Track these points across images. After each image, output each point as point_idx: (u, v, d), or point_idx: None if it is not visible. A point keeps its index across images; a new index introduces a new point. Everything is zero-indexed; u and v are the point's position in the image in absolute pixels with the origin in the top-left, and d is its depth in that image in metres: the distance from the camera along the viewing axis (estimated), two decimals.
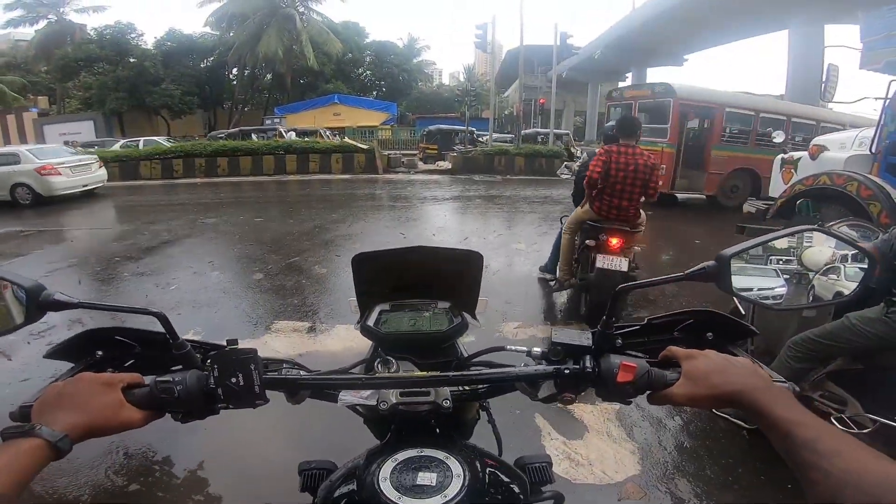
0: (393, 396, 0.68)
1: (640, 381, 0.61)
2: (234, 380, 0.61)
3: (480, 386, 0.76)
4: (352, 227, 7.08)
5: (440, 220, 8.00)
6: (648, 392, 0.62)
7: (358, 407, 0.75)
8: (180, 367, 0.66)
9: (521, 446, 2.36)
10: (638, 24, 21.15)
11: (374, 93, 34.97)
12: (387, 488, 0.59)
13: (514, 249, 5.93)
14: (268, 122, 24.13)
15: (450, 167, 15.52)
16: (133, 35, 28.69)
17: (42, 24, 27.92)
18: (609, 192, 3.39)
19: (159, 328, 0.69)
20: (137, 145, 16.65)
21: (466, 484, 0.59)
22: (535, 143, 17.96)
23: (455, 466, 0.62)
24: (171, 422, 0.63)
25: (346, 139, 18.50)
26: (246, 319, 3.76)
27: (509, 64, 30.97)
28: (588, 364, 0.65)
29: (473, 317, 0.92)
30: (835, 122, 8.99)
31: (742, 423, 2.28)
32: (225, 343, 0.69)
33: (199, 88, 29.18)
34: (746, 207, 5.50)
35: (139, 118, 28.01)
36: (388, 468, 0.62)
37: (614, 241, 3.33)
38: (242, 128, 20.40)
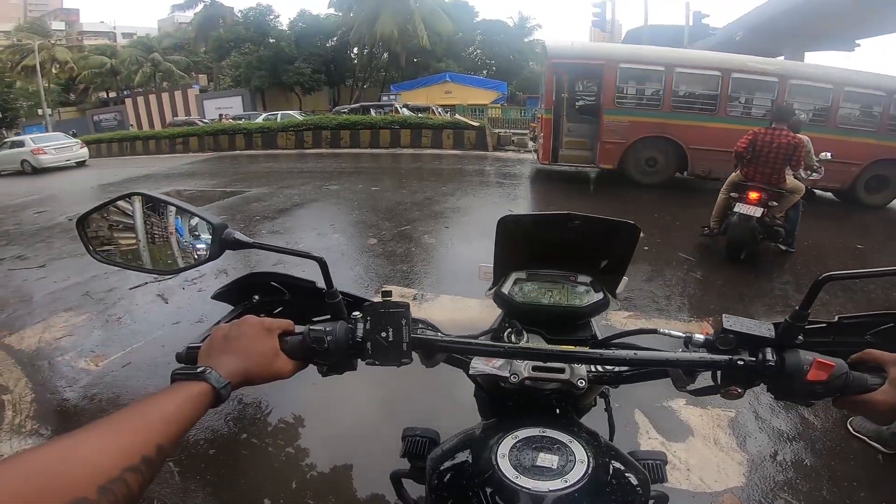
0: (525, 370, 0.65)
1: (834, 382, 0.53)
2: (383, 334, 0.60)
3: (626, 369, 0.70)
4: (460, 200, 7.20)
5: (549, 200, 7.76)
6: (838, 395, 0.55)
7: (479, 378, 0.73)
8: (326, 317, 0.66)
9: (616, 442, 2.22)
10: (799, 3, 17.73)
11: (485, 72, 34.66)
12: (505, 465, 0.56)
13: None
14: (384, 98, 25.33)
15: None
16: (271, 17, 31.82)
17: (199, 7, 32.03)
18: (754, 162, 4.27)
19: (309, 278, 0.70)
20: (276, 118, 18.62)
21: (590, 471, 0.56)
22: None
23: (578, 451, 0.58)
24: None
25: (458, 116, 18.69)
26: (359, 281, 4.04)
27: (630, 43, 28.45)
28: (770, 357, 0.57)
29: (614, 295, 0.85)
30: (864, 86, 6.76)
31: (879, 447, 2.03)
32: (377, 297, 0.66)
33: (325, 66, 31.50)
34: None
35: (277, 94, 31.21)
36: (507, 445, 0.59)
37: (753, 195, 4.19)
38: (363, 103, 21.67)
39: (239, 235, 0.63)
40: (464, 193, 7.76)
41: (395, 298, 0.62)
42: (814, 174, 4.66)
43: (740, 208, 4.19)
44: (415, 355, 0.67)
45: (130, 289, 3.91)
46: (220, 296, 0.75)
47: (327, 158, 12.73)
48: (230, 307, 0.75)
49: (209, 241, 0.65)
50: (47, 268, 4.58)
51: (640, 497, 0.61)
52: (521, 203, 7.46)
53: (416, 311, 3.39)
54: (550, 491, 0.53)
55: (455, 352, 0.69)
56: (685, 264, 4.46)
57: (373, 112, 18.14)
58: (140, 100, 29.89)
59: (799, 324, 0.57)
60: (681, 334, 0.67)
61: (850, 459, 2.05)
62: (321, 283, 0.66)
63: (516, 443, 0.59)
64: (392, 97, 25.10)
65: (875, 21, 17.90)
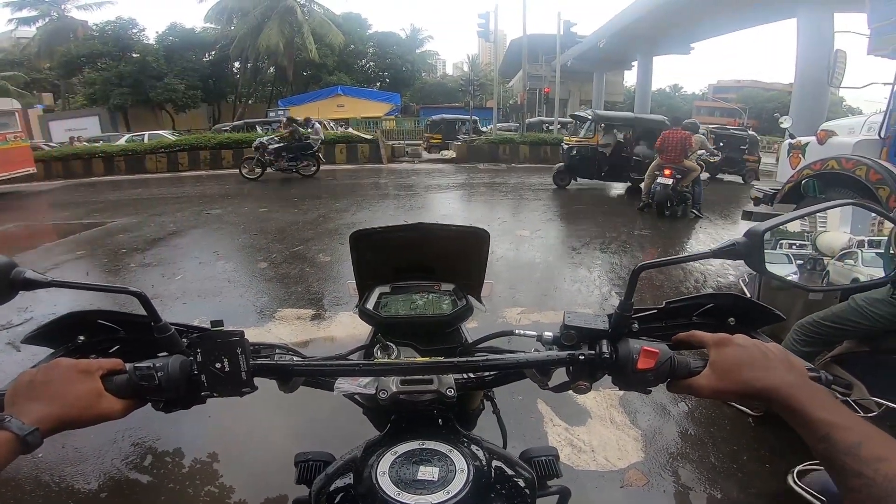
0: (393, 385, 0.63)
1: (661, 368, 0.56)
2: (218, 365, 0.57)
3: (487, 373, 0.71)
4: (356, 215, 7.08)
5: (445, 209, 7.98)
6: (668, 381, 0.57)
7: (356, 396, 0.72)
8: (166, 353, 0.61)
9: (523, 433, 2.36)
10: (643, 11, 20.77)
11: (378, 84, 34.85)
12: (385, 483, 0.55)
13: (519, 236, 5.93)
14: (272, 114, 24.17)
15: (454, 156, 15.49)
16: (135, 30, 28.76)
17: (44, 21, 27.96)
18: (664, 151, 7.04)
19: (142, 315, 0.62)
20: (143, 139, 16.70)
21: (471, 479, 0.55)
22: (539, 132, 17.87)
23: (458, 460, 0.58)
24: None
25: (350, 130, 18.45)
26: (251, 308, 3.78)
27: (513, 53, 30.72)
28: (605, 349, 0.59)
29: (479, 300, 0.87)
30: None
31: (748, 411, 2.27)
32: (209, 325, 0.62)
33: (202, 82, 29.17)
34: (753, 192, 5.52)
35: (143, 113, 28.08)
36: (387, 461, 0.58)
37: (667, 171, 6.86)
38: (247, 120, 20.43)
39: (31, 274, 0.57)
40: (359, 208, 7.66)
41: (227, 328, 0.59)
42: (713, 157, 8.06)
43: (660, 180, 6.86)
44: (272, 382, 0.64)
45: None
46: (32, 339, 0.67)
47: (207, 181, 11.72)
48: (49, 350, 0.67)
49: None
50: None
51: (527, 497, 0.61)
52: (417, 213, 7.57)
53: (316, 332, 3.18)
54: None
55: (309, 374, 0.66)
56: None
57: (259, 129, 17.18)
58: None
59: (626, 313, 0.60)
60: (533, 334, 0.68)
61: (725, 425, 2.27)
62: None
63: (396, 458, 0.58)
64: (280, 113, 24.00)
65: (704, 26, 21.45)
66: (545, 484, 0.73)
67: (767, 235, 0.58)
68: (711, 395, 0.54)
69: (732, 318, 0.67)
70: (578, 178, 9.89)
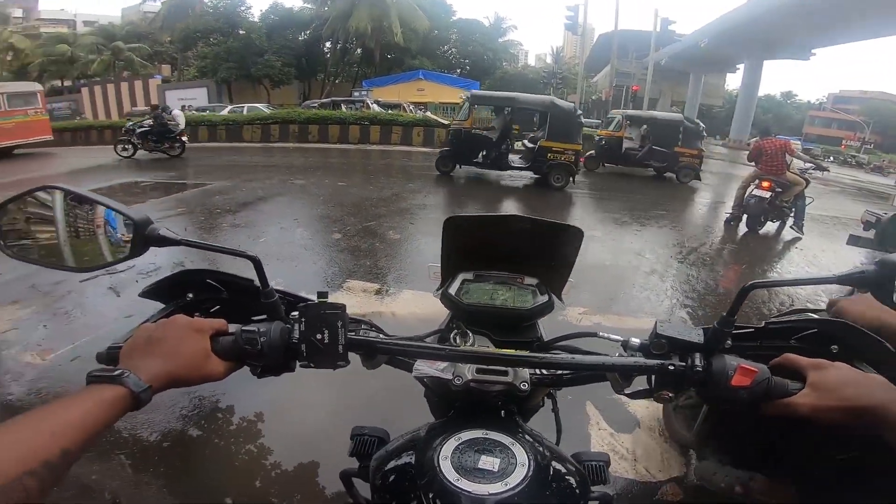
0: (469, 372, 0.64)
1: (757, 387, 0.54)
2: (318, 336, 0.58)
3: (566, 372, 0.71)
4: (427, 198, 7.24)
5: (514, 202, 7.92)
6: (761, 400, 0.55)
7: (426, 379, 0.72)
8: (263, 317, 0.64)
9: (566, 433, 2.33)
10: (760, 12, 18.80)
11: (458, 70, 34.83)
12: (446, 468, 0.55)
13: (589, 236, 5.76)
14: (356, 94, 25.04)
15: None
16: (242, 8, 30.91)
17: None
18: (762, 161, 6.48)
19: (250, 275, 0.67)
20: (242, 111, 18.14)
21: (530, 474, 0.55)
22: None
23: (520, 454, 0.58)
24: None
25: (429, 114, 18.72)
26: (321, 275, 4.03)
27: (601, 48, 29.35)
28: (698, 362, 0.58)
29: (559, 297, 0.86)
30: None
31: None
32: (314, 296, 0.63)
33: (296, 60, 30.84)
34: (864, 216, 5.00)
35: (245, 86, 30.33)
36: (449, 447, 0.58)
37: (765, 184, 6.28)
38: (333, 98, 21.39)
39: (164, 231, 0.60)
40: (431, 192, 7.81)
41: (331, 300, 0.61)
42: (821, 170, 7.66)
43: (755, 192, 6.35)
44: (356, 357, 0.65)
45: (80, 282, 3.77)
46: (149, 293, 0.71)
47: (294, 153, 12.51)
48: (161, 305, 0.72)
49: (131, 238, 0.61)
50: None
51: (577, 499, 0.61)
52: (488, 202, 7.59)
53: (379, 306, 3.33)
54: (490, 494, 0.53)
55: (395, 354, 0.68)
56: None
57: (343, 107, 17.96)
58: (97, 89, 28.40)
59: (726, 329, 0.58)
60: (618, 338, 0.67)
61: None
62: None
63: (459, 444, 0.59)
64: (364, 93, 24.87)
65: (830, 32, 19.12)
66: (590, 489, 0.73)
67: None
68: (811, 413, 0.52)
69: (836, 347, 0.63)
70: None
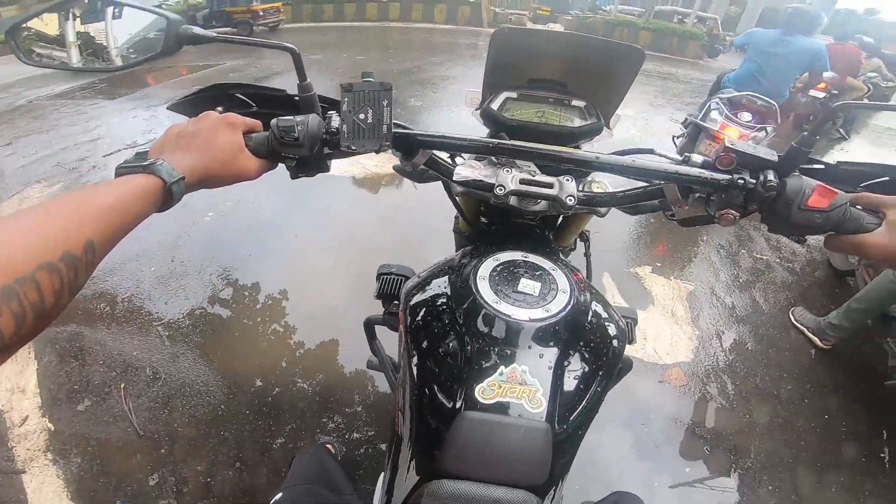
0: (512, 182, 0.58)
1: (833, 212, 0.48)
2: (362, 116, 0.54)
3: (618, 189, 0.64)
4: (450, 70, 6.82)
5: None
6: (832, 233, 0.50)
7: (460, 197, 0.67)
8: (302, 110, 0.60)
9: None
10: None
11: None
12: (484, 288, 0.51)
13: (622, 114, 5.41)
14: None
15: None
16: None
17: None
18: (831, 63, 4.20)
19: (280, 88, 0.64)
20: None
21: (572, 302, 0.52)
22: (670, 22, 15.21)
23: (562, 280, 0.54)
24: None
25: None
26: None
27: None
28: (772, 177, 0.51)
29: (607, 125, 0.79)
30: None
31: (816, 341, 2.08)
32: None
33: None
34: None
35: None
36: (487, 267, 0.55)
37: (821, 85, 4.45)
38: None
39: (198, 30, 0.56)
40: (453, 64, 7.32)
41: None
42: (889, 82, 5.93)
43: (810, 92, 5.13)
44: (394, 157, 0.61)
45: (104, 156, 3.81)
46: (177, 106, 0.68)
47: (308, 32, 11.70)
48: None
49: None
50: (13, 145, 4.38)
51: (614, 349, 0.57)
52: None
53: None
54: (531, 320, 0.50)
55: (437, 147, 0.61)
56: None
57: None
58: None
59: (805, 149, 0.51)
60: (678, 157, 0.62)
61: (785, 350, 2.09)
62: (292, 90, 0.59)
63: (497, 266, 0.55)
64: None
65: None
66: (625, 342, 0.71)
67: None
68: (881, 255, 0.47)
69: None
70: None
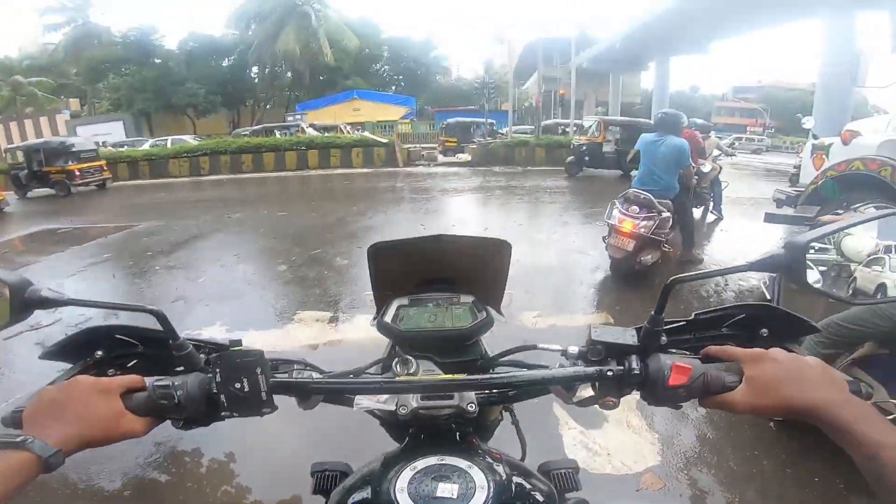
0: (413, 400, 0.62)
1: (694, 384, 0.54)
2: (237, 385, 0.55)
3: (510, 389, 0.70)
4: (372, 219, 7.17)
5: (460, 212, 8.02)
6: (701, 397, 0.55)
7: (374, 412, 0.70)
8: (183, 368, 0.61)
9: (538, 437, 2.38)
10: (659, 12, 20.69)
11: (393, 87, 35.14)
12: (404, 499, 0.54)
13: (535, 239, 5.93)
14: (289, 118, 24.49)
15: (469, 160, 15.52)
16: (156, 36, 29.46)
17: (69, 27, 28.81)
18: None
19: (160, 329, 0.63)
20: (166, 144, 17.15)
21: (490, 496, 0.54)
22: (555, 134, 17.84)
23: (478, 477, 0.56)
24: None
25: (366, 134, 18.64)
26: (270, 310, 3.85)
27: (527, 56, 30.59)
28: (634, 365, 0.58)
29: (499, 311, 0.85)
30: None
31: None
32: (228, 342, 0.62)
33: (222, 87, 29.72)
34: (775, 195, 5.44)
35: (166, 118, 28.78)
36: (405, 477, 0.57)
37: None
38: (266, 125, 20.78)
39: (48, 292, 0.55)
40: (376, 212, 7.74)
41: (245, 347, 0.59)
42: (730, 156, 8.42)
43: None
44: (291, 400, 0.63)
45: (5, 339, 3.38)
46: (50, 354, 0.65)
47: (228, 185, 12.00)
48: (68, 364, 0.66)
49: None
50: None
51: None
52: (433, 216, 7.62)
53: (334, 334, 3.18)
54: None
55: (329, 392, 0.65)
56: None
57: (277, 133, 17.45)
58: None
59: (657, 328, 0.58)
60: (557, 348, 0.67)
61: (745, 430, 2.21)
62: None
63: (415, 474, 0.57)
64: (298, 117, 24.37)
65: (723, 26, 21.31)
66: (564, 497, 0.71)
67: (810, 247, 0.55)
68: (748, 411, 0.51)
69: (765, 330, 0.64)
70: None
